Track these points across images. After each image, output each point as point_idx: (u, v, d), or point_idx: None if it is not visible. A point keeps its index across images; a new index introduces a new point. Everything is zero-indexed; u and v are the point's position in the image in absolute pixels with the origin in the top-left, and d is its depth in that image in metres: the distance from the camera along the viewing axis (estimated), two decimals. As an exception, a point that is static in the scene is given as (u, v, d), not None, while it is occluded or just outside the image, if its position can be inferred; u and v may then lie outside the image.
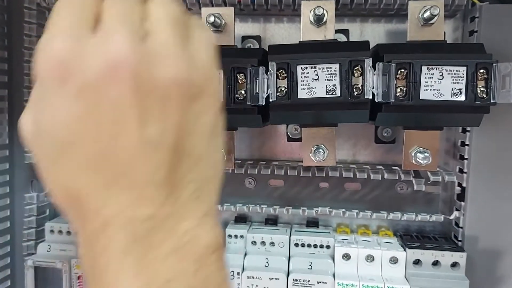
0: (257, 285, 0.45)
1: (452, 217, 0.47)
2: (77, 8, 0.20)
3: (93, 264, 0.21)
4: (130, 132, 0.19)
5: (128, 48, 0.19)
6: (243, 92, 0.39)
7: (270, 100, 0.38)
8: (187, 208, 0.21)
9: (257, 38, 0.50)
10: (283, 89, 0.38)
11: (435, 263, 0.45)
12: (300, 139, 0.48)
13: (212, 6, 0.46)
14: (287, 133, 0.51)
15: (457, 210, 0.47)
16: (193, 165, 0.22)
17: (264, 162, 0.51)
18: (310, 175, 0.47)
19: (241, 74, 0.39)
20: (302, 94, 0.38)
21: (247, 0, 0.46)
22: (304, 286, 0.44)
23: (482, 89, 0.37)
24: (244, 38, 0.51)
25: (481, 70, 0.37)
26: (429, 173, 0.45)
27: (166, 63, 0.20)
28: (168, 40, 0.21)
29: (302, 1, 0.42)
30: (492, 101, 0.37)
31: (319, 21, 0.41)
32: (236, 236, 0.49)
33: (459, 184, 0.47)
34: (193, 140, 0.21)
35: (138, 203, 0.20)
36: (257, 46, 0.50)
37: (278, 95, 0.38)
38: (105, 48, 0.19)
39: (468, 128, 0.45)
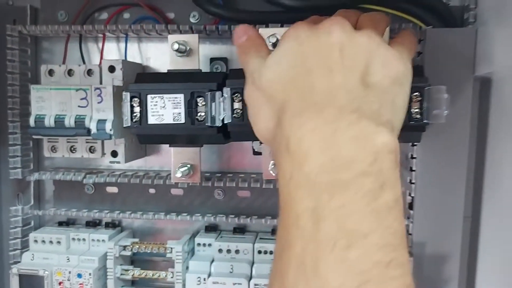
0: (222, 290, 0.49)
1: (402, 224, 0.51)
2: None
3: (287, 142, 0.27)
4: (335, 59, 0.29)
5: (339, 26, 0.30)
6: (203, 114, 0.43)
7: (225, 122, 0.42)
8: (367, 115, 0.27)
9: (224, 60, 0.54)
10: (239, 111, 0.42)
11: (386, 267, 0.49)
12: (264, 154, 0.52)
13: (180, 32, 0.50)
14: (252, 147, 0.54)
15: (408, 218, 0.51)
16: (376, 94, 0.29)
17: (231, 175, 0.54)
18: (272, 187, 0.51)
19: (201, 98, 0.43)
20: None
21: (213, 26, 0.50)
22: (265, 290, 0.48)
23: (416, 110, 0.40)
24: (212, 60, 0.55)
25: (416, 93, 0.40)
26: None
27: (362, 34, 0.30)
28: (370, 29, 0.31)
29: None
30: (425, 121, 0.40)
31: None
32: (204, 245, 0.53)
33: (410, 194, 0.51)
34: (376, 79, 0.29)
35: (330, 95, 0.28)
36: (224, 68, 0.54)
37: (234, 117, 0.42)
38: (324, 26, 0.31)
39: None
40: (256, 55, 0.34)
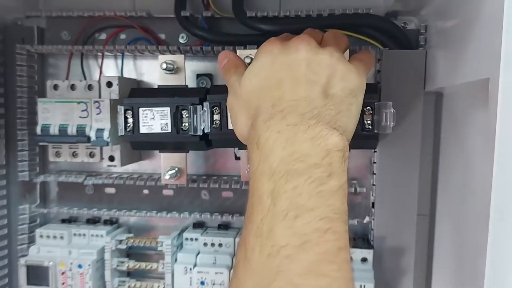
0: (205, 278, 0.56)
1: (365, 221, 0.57)
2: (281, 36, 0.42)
3: (257, 140, 0.34)
4: (301, 73, 0.36)
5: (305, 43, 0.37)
6: (186, 124, 0.50)
7: (205, 131, 0.49)
8: (324, 121, 0.34)
9: (209, 76, 0.61)
10: (218, 122, 0.49)
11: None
12: (244, 158, 0.59)
13: (170, 52, 0.57)
14: (234, 152, 0.61)
15: (369, 215, 0.57)
16: (335, 103, 0.36)
17: (215, 177, 0.61)
18: (250, 188, 0.58)
19: (185, 110, 0.50)
20: (230, 126, 0.48)
21: (198, 47, 0.57)
22: (242, 279, 0.55)
23: (368, 121, 0.47)
24: (198, 76, 0.61)
25: (367, 107, 0.47)
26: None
27: (324, 51, 0.37)
28: (332, 46, 0.38)
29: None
30: (375, 131, 0.47)
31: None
32: (191, 239, 0.60)
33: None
34: (335, 91, 0.36)
35: (295, 104, 0.35)
36: (209, 82, 0.61)
37: (214, 127, 0.49)
38: (293, 43, 0.37)
39: (376, 149, 0.56)
40: (235, 72, 0.42)
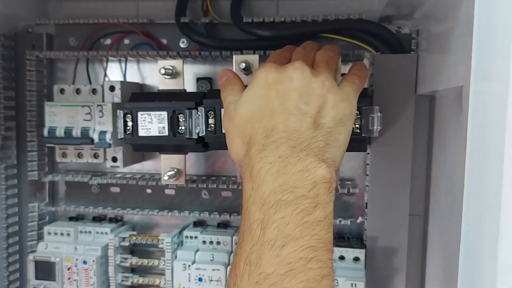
0: (203, 275, 0.58)
1: (358, 221, 0.59)
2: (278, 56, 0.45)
3: (251, 170, 0.37)
4: (293, 103, 0.38)
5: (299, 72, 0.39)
6: (183, 128, 0.52)
7: (200, 135, 0.51)
8: (314, 153, 0.36)
9: (208, 79, 0.63)
10: (212, 126, 0.51)
11: (342, 257, 0.57)
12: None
13: (170, 57, 0.59)
14: (233, 154, 0.63)
15: (362, 216, 0.59)
16: (324, 134, 0.38)
17: (214, 178, 0.63)
18: (247, 189, 0.60)
19: (181, 114, 0.52)
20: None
21: (196, 52, 0.59)
22: (238, 276, 0.57)
23: (356, 125, 0.48)
24: (198, 79, 0.64)
25: (356, 112, 0.48)
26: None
27: (317, 80, 0.39)
28: (324, 72, 0.40)
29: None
30: (362, 135, 0.48)
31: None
32: (191, 237, 0.62)
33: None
34: (325, 121, 0.38)
35: (286, 136, 0.37)
36: (209, 86, 0.63)
37: (209, 131, 0.51)
38: (287, 71, 0.39)
39: (368, 151, 0.57)
40: (232, 92, 0.44)
